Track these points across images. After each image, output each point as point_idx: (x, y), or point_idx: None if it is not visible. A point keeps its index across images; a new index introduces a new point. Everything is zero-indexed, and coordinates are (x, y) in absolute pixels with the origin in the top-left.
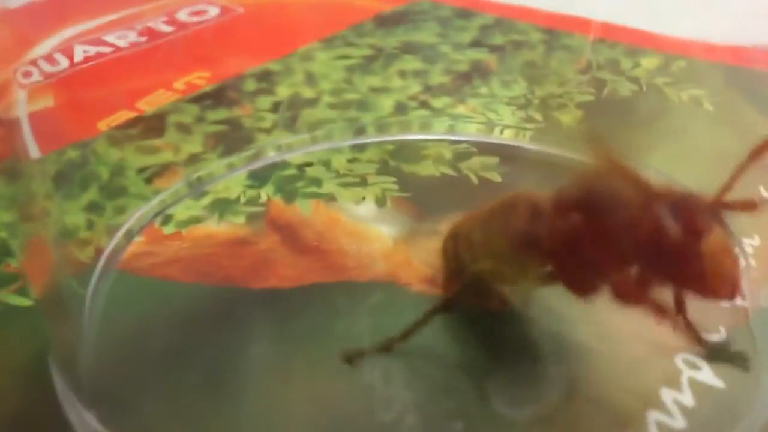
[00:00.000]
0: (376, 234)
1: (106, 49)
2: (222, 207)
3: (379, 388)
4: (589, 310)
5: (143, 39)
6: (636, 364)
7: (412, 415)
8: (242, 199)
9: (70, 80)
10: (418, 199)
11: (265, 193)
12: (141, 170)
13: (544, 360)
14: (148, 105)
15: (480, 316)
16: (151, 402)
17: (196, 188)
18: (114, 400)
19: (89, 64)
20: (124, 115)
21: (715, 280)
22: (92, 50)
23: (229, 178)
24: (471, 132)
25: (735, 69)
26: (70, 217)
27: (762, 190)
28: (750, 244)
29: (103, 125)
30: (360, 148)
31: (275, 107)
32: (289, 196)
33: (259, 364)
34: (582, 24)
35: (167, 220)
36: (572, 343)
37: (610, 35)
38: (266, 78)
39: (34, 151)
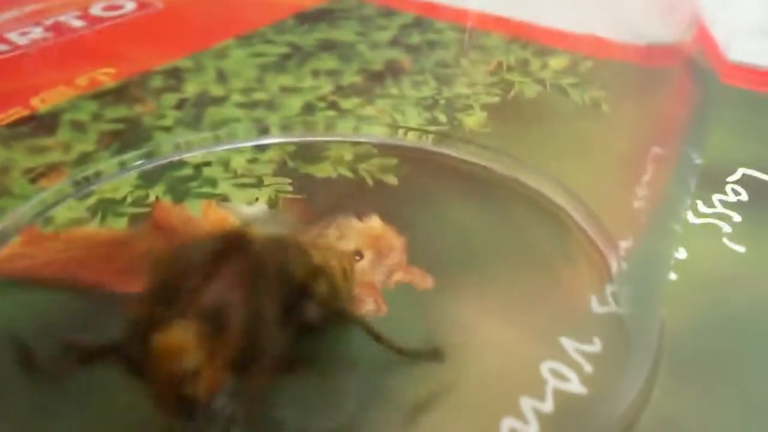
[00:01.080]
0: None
1: (3, 47)
2: (105, 208)
3: None
4: (455, 319)
5: (50, 35)
6: (498, 373)
7: None
8: (128, 200)
9: None
10: (312, 200)
11: (154, 193)
12: (27, 171)
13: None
14: (42, 102)
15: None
16: None
17: (82, 188)
18: None
19: None
20: (16, 113)
21: None
22: None
23: (119, 178)
24: (375, 134)
25: (638, 68)
26: None
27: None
28: (624, 246)
29: None
30: (262, 148)
31: (180, 105)
32: (180, 196)
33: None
34: (499, 21)
35: (48, 221)
36: (434, 352)
37: (524, 34)
38: (175, 75)
39: None
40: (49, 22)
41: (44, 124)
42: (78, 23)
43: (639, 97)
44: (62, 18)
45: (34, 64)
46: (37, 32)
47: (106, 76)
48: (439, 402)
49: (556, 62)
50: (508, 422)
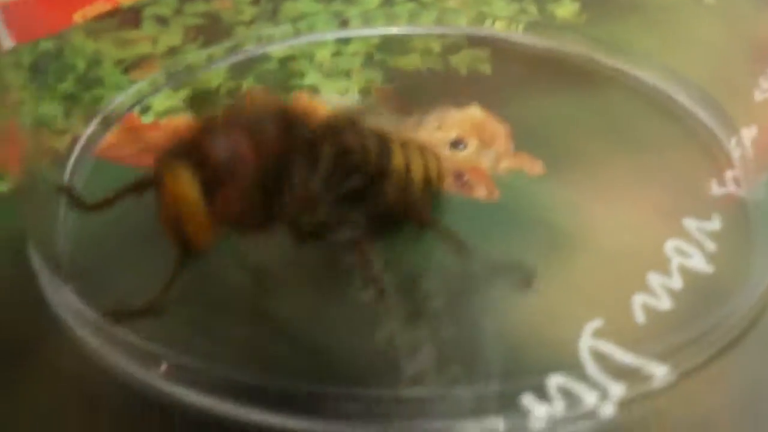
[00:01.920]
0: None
1: None
2: (200, 98)
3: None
4: (573, 201)
5: None
6: (623, 252)
7: None
8: (221, 91)
9: None
10: (404, 91)
11: (245, 85)
12: (118, 62)
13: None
14: None
15: None
16: (126, 277)
17: (175, 78)
18: (90, 276)
19: None
20: (100, 7)
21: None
22: None
23: (209, 71)
24: (461, 24)
25: None
26: (46, 107)
27: None
28: (748, 135)
29: (79, 17)
30: (345, 41)
31: (256, 0)
32: (270, 88)
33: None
34: None
35: (146, 109)
36: (557, 233)
37: None
38: None
39: (6, 42)
40: None
41: (128, 18)
42: None
43: None
44: None
45: None
46: None
47: None
48: (567, 281)
49: None
50: (639, 298)
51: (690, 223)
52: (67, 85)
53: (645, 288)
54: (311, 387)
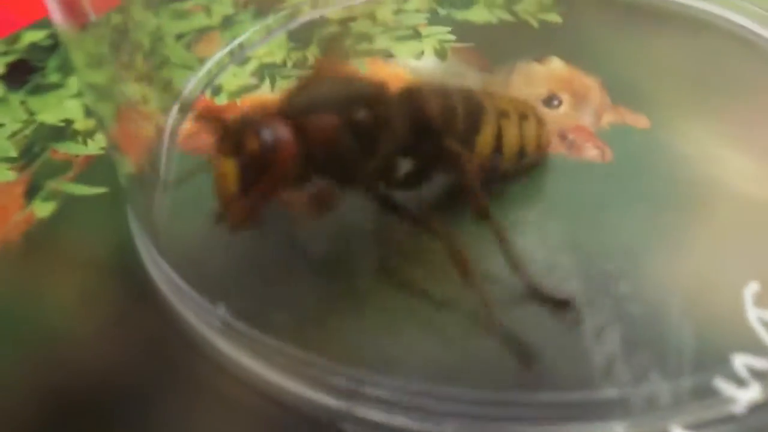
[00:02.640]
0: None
1: None
2: (270, 72)
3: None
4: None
5: None
6: (754, 203)
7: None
8: (288, 63)
9: None
10: (480, 48)
11: (311, 54)
12: (178, 37)
13: None
14: None
15: None
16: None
17: (238, 55)
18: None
19: None
20: None
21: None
22: None
23: (269, 42)
24: None
25: None
26: (130, 89)
27: None
28: None
29: None
30: None
31: None
32: (340, 56)
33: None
34: None
35: (217, 90)
36: (691, 189)
37: None
38: None
39: (91, 15)
40: None
41: None
42: None
43: None
44: None
45: None
46: None
47: None
48: (713, 240)
49: None
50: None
51: None
52: (138, 65)
53: None
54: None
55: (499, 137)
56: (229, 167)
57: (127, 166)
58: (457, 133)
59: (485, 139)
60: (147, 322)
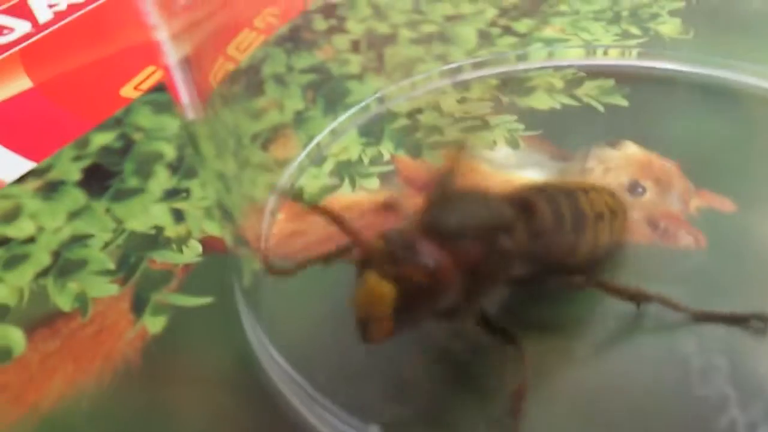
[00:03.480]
0: (528, 180)
1: None
2: (348, 171)
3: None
4: None
5: None
6: None
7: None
8: (365, 160)
9: None
10: (549, 135)
11: (385, 149)
12: (254, 137)
13: None
14: (238, 50)
15: None
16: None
17: (316, 155)
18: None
19: None
20: (222, 66)
21: None
22: None
23: (343, 138)
24: (574, 56)
25: None
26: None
27: None
28: None
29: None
30: (463, 86)
31: (355, 47)
32: (414, 150)
33: None
34: None
35: (299, 193)
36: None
37: None
38: (331, 13)
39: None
40: None
41: (251, 80)
42: None
43: None
44: None
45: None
46: None
47: (274, 18)
48: None
49: None
50: None
51: None
52: (227, 164)
53: None
54: None
55: (595, 244)
56: (381, 286)
57: (254, 263)
58: (565, 247)
59: (585, 247)
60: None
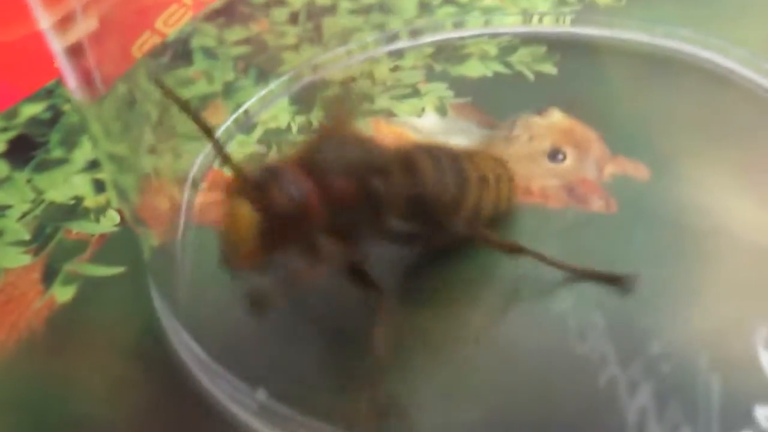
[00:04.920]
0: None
1: None
2: (275, 139)
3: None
4: (696, 203)
5: None
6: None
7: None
8: (293, 128)
9: None
10: (479, 102)
11: (315, 118)
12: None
13: None
14: (165, 25)
15: None
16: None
17: (244, 122)
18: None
19: None
20: (148, 39)
21: None
22: None
23: (272, 107)
24: (510, 24)
25: None
26: (143, 161)
27: None
28: None
29: (136, 51)
30: (398, 54)
31: (293, 19)
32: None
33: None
34: None
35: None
36: (697, 237)
37: None
38: None
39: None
40: None
41: (178, 52)
42: None
43: None
44: None
45: None
46: None
47: None
48: (720, 286)
49: None
50: None
51: None
52: (147, 137)
53: None
54: None
55: (478, 205)
56: (246, 212)
57: (151, 239)
58: (447, 205)
59: (467, 207)
60: (178, 406)
